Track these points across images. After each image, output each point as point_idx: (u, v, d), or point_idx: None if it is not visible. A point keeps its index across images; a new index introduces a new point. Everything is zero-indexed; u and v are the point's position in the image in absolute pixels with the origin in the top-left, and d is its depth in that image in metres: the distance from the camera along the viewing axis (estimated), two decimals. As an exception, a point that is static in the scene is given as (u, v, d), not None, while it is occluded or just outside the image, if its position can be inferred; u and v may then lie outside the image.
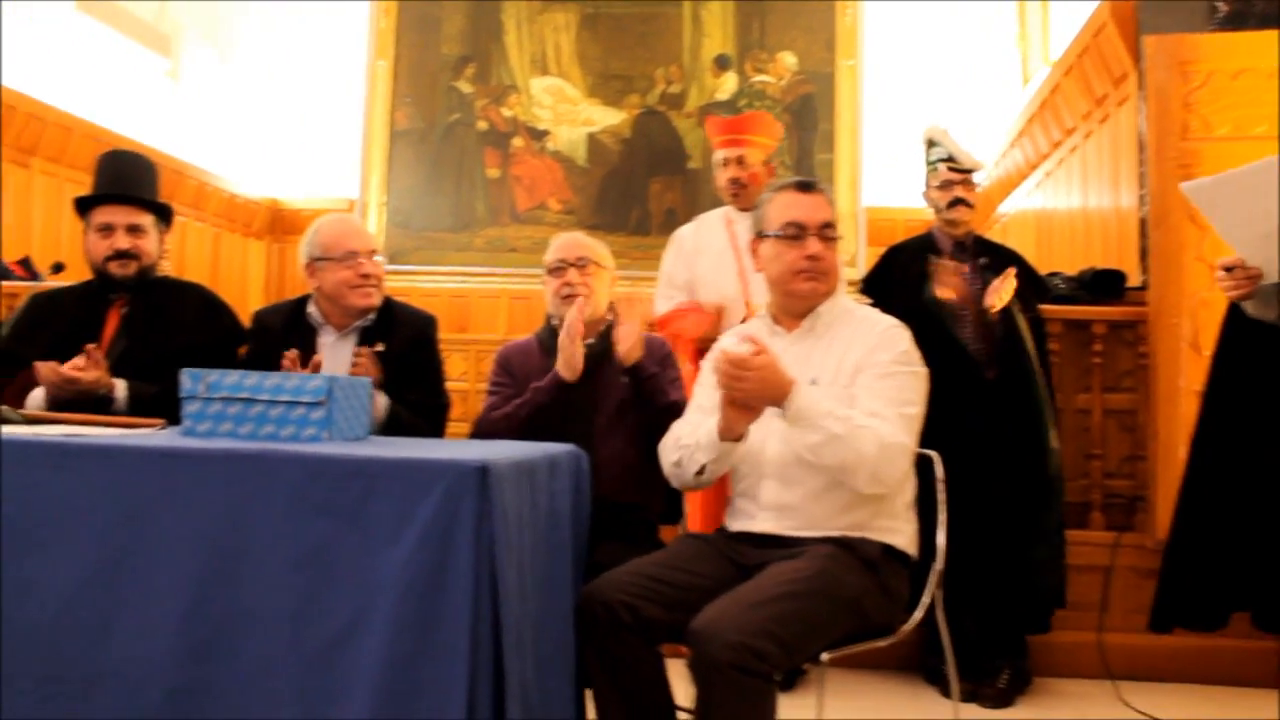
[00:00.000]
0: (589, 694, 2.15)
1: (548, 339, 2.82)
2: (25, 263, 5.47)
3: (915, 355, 2.30)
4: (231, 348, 2.88)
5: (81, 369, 2.57)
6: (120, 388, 2.64)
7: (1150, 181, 3.98)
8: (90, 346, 2.60)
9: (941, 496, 2.39)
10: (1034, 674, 3.48)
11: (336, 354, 2.72)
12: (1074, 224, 5.60)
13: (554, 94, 8.37)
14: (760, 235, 2.39)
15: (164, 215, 2.92)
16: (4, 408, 2.18)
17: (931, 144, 3.58)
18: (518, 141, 8.33)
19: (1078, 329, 3.92)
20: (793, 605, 1.96)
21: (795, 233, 2.31)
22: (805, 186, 2.37)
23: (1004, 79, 7.36)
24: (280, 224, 8.64)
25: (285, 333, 2.77)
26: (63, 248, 5.76)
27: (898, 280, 3.51)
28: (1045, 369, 3.48)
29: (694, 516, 3.08)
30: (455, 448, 1.98)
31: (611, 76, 8.35)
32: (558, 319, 2.79)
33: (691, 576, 2.14)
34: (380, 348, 2.72)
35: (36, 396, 2.60)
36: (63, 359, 2.58)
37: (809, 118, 7.96)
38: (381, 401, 2.64)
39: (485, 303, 8.15)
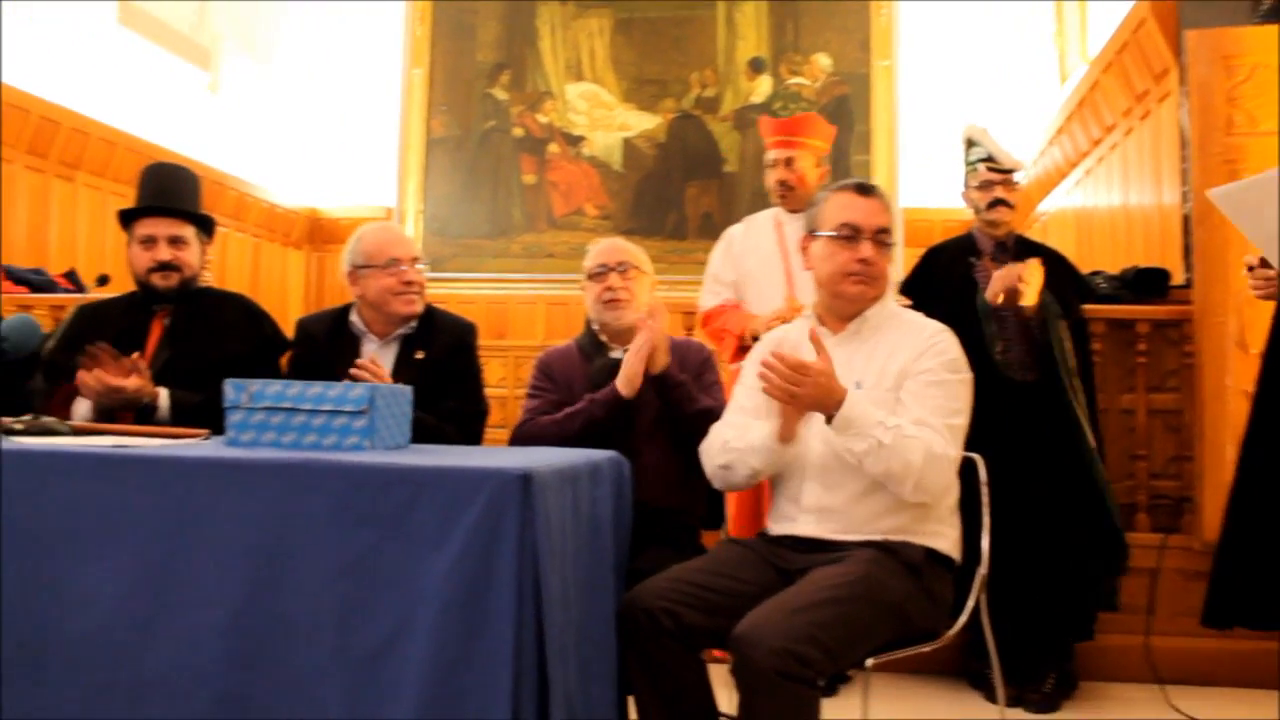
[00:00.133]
0: (631, 700, 2.15)
1: (588, 344, 2.83)
2: (71, 275, 5.55)
3: (963, 362, 2.28)
4: (273, 357, 2.91)
5: (123, 374, 2.59)
6: (163, 396, 2.67)
7: (1194, 178, 3.92)
8: (135, 356, 2.63)
9: (985, 500, 2.37)
10: (1080, 678, 3.44)
11: (380, 362, 2.72)
12: (1115, 222, 5.53)
13: (589, 99, 8.39)
14: (812, 234, 2.36)
15: (206, 226, 2.94)
16: (51, 419, 2.21)
17: (971, 144, 3.54)
18: (553, 147, 8.37)
19: (1121, 328, 3.87)
20: (836, 610, 1.94)
21: (849, 234, 2.28)
22: (864, 189, 2.34)
23: (1041, 77, 7.28)
24: (319, 233, 8.69)
25: (329, 341, 2.80)
26: (108, 260, 5.82)
27: (939, 282, 3.49)
28: (1087, 370, 3.43)
29: (732, 519, 3.07)
30: (497, 455, 1.99)
31: (646, 81, 8.36)
32: (599, 324, 2.79)
33: (733, 582, 2.13)
34: (420, 355, 2.74)
35: (82, 407, 2.64)
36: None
37: (845, 119, 7.88)
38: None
39: (523, 309, 8.19)
